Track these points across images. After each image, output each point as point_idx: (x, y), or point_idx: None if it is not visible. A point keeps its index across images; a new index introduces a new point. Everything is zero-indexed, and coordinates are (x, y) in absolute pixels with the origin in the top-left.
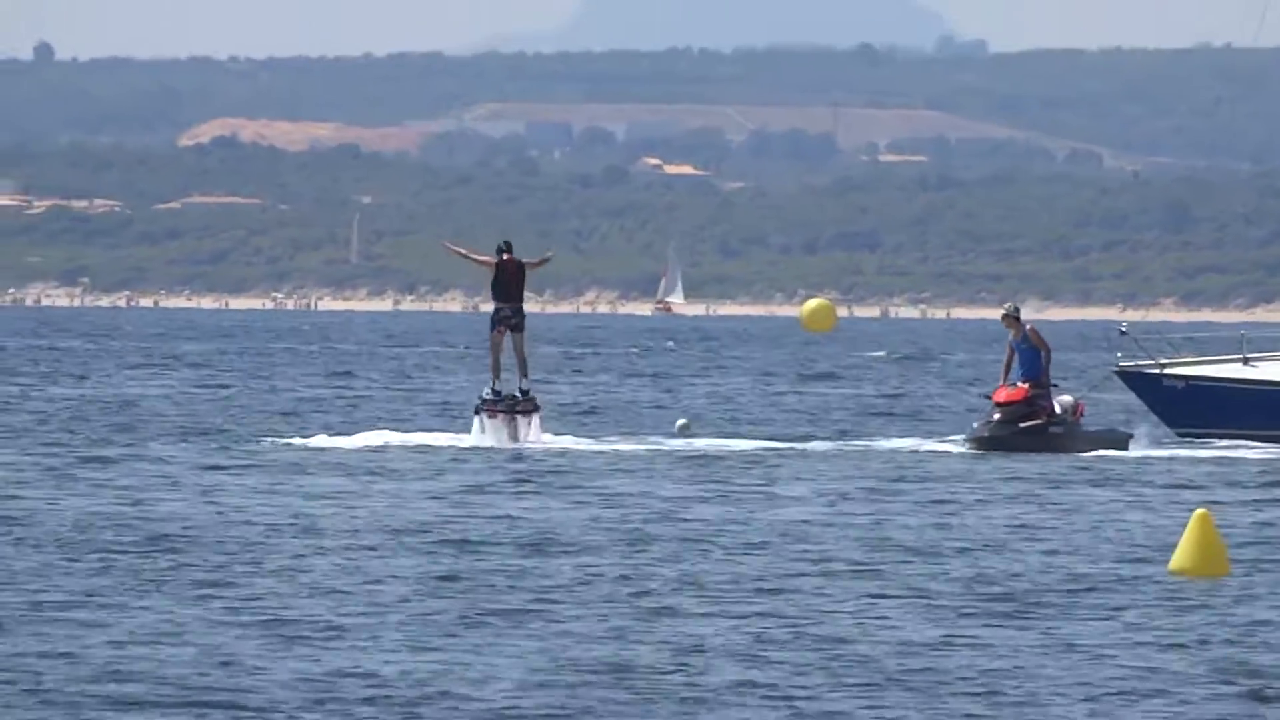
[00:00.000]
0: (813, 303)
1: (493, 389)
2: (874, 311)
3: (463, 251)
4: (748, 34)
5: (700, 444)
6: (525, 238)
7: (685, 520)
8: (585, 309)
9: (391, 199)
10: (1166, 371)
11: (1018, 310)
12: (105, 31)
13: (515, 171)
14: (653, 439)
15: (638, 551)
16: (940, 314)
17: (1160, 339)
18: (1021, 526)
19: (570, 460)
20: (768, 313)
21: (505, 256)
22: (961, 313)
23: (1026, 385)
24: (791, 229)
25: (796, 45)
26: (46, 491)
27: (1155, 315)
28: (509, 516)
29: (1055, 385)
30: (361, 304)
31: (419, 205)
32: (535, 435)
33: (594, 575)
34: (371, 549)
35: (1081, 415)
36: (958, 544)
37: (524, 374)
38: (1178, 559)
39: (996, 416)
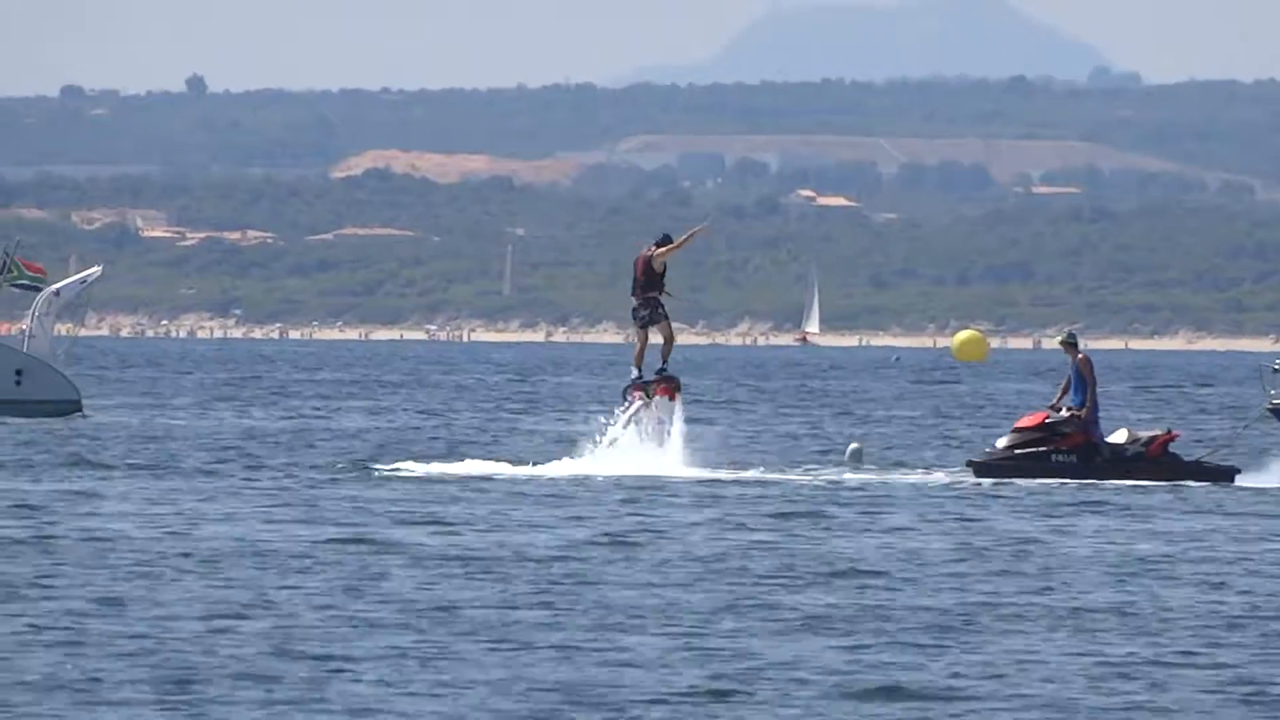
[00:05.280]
0: (964, 334)
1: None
2: (1026, 343)
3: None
4: (900, 66)
5: None
6: (678, 268)
7: None
8: (737, 341)
9: (544, 231)
10: None
11: (1074, 337)
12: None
13: (668, 202)
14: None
15: None
16: (1096, 345)
17: None
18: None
19: None
20: (919, 344)
21: (644, 250)
22: (1115, 344)
23: (1047, 412)
24: (943, 260)
25: (949, 77)
26: None
27: None
28: None
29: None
30: (514, 335)
31: (571, 237)
32: (677, 412)
33: None
34: None
35: (1161, 447)
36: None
37: (664, 358)
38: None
39: (1001, 442)
